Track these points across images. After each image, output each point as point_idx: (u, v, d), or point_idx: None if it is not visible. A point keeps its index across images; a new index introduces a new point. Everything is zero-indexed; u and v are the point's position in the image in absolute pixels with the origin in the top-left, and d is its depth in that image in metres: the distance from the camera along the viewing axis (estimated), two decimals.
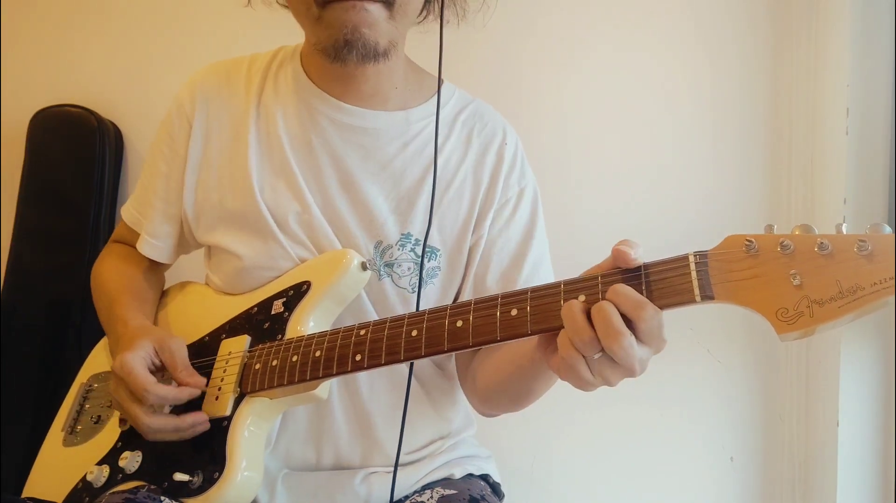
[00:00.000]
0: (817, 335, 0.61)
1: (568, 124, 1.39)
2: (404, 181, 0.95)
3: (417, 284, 0.93)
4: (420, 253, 0.94)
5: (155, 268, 1.10)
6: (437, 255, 0.95)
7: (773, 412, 1.34)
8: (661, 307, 0.66)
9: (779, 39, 1.32)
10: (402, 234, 0.94)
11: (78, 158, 1.51)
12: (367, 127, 0.96)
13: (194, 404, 0.89)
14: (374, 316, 0.94)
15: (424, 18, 1.01)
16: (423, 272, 0.94)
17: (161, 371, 0.90)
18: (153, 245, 1.04)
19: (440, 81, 0.98)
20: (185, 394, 0.86)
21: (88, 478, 0.91)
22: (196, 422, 0.86)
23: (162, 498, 0.83)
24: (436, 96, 1.00)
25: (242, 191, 0.95)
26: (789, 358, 1.33)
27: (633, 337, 0.64)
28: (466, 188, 0.97)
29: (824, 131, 1.26)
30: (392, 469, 0.95)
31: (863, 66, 1.22)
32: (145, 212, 1.04)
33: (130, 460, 0.89)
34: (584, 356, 0.67)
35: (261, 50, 1.06)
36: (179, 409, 0.88)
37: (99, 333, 1.13)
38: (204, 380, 0.88)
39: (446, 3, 0.98)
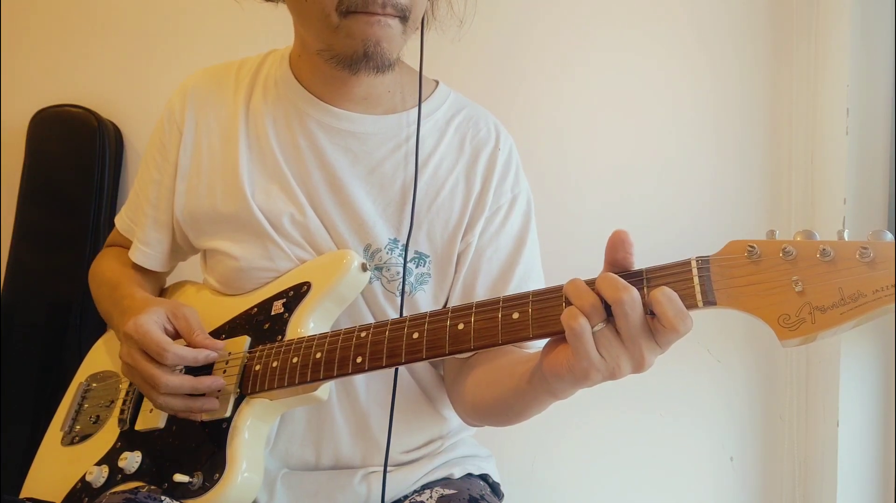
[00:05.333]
0: (819, 342, 0.61)
1: (567, 125, 1.39)
2: (393, 185, 0.95)
3: (402, 291, 0.93)
4: (404, 257, 0.94)
5: (152, 272, 1.09)
6: (426, 262, 0.95)
7: (773, 412, 1.34)
8: None
9: (779, 39, 1.32)
10: (391, 239, 0.94)
11: (78, 158, 1.51)
12: (356, 131, 0.96)
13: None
14: (369, 318, 0.94)
15: None
16: (413, 278, 0.94)
17: (174, 338, 0.90)
18: (144, 253, 1.04)
19: (420, 89, 0.98)
20: (202, 355, 0.87)
21: (87, 478, 0.91)
22: (213, 384, 0.85)
23: (163, 498, 0.83)
24: (430, 99, 1.00)
25: (234, 195, 0.95)
26: (789, 358, 1.33)
27: (638, 296, 0.64)
28: (457, 195, 0.96)
29: (824, 131, 1.26)
30: (392, 468, 0.95)
31: (863, 66, 1.21)
32: (137, 219, 1.05)
33: (130, 460, 0.89)
34: (591, 324, 0.65)
35: (260, 50, 1.05)
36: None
37: (98, 333, 1.13)
38: (222, 343, 0.88)
39: (427, 18, 0.98)
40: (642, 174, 1.36)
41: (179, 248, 1.05)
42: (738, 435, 1.34)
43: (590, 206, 1.37)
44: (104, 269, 1.08)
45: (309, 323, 0.89)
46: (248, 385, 0.87)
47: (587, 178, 1.38)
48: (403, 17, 0.86)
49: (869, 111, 1.22)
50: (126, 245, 1.08)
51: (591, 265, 0.73)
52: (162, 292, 1.11)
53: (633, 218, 1.35)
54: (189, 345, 0.88)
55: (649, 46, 1.36)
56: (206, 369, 0.90)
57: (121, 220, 1.09)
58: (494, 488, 1.05)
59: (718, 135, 1.34)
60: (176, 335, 0.90)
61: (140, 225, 1.04)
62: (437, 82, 1.03)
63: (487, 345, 0.73)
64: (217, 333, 0.95)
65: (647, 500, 1.37)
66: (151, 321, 0.87)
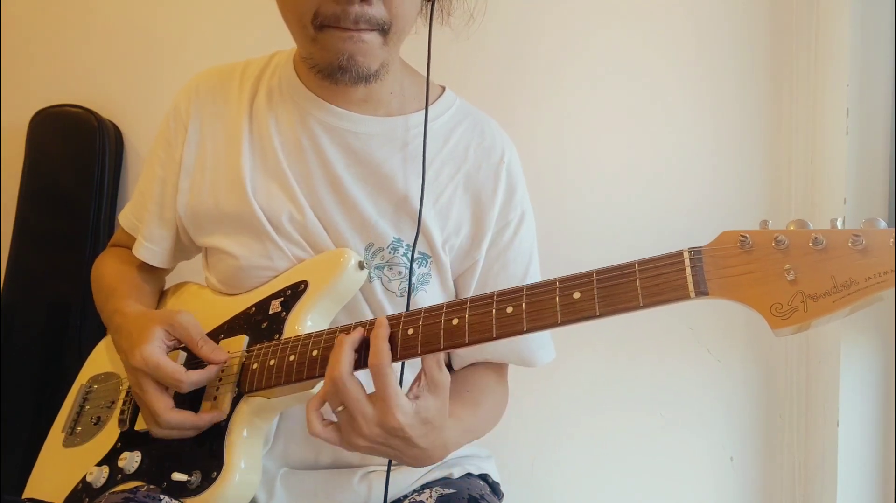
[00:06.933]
0: (814, 331, 0.62)
1: (567, 125, 1.39)
2: (394, 187, 0.95)
3: (406, 289, 0.93)
4: (411, 258, 0.94)
5: (153, 271, 1.10)
6: (427, 262, 0.95)
7: (773, 412, 1.34)
8: (655, 304, 0.66)
9: (779, 39, 1.32)
10: (395, 238, 0.94)
11: (78, 158, 1.52)
12: (357, 131, 0.96)
13: (194, 400, 0.89)
14: (369, 316, 0.94)
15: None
16: (415, 278, 0.94)
17: (177, 349, 0.91)
18: (148, 249, 1.04)
19: (428, 88, 0.97)
20: (215, 371, 0.87)
21: (88, 478, 0.91)
22: (214, 419, 0.86)
23: (161, 496, 0.83)
24: (436, 103, 1.00)
25: (237, 193, 0.95)
26: (789, 358, 1.33)
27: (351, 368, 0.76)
28: (455, 201, 0.96)
29: (824, 131, 1.26)
30: (392, 468, 0.95)
31: (863, 66, 1.21)
32: (142, 216, 1.05)
33: (129, 460, 0.89)
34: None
35: (259, 50, 1.06)
36: (179, 397, 0.88)
37: (99, 334, 1.14)
38: (226, 353, 0.89)
39: (434, 9, 0.97)
40: (642, 174, 1.36)
41: (183, 246, 1.05)
42: (738, 435, 1.34)
43: (590, 205, 1.37)
44: (103, 273, 1.08)
45: (306, 321, 0.89)
46: (246, 383, 0.87)
47: (586, 176, 1.38)
48: (382, 30, 0.86)
49: (869, 111, 1.22)
50: (129, 244, 1.08)
51: (589, 259, 0.74)
52: (163, 294, 1.11)
53: (632, 218, 1.35)
54: (195, 354, 0.89)
55: (649, 46, 1.36)
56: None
57: (125, 218, 1.09)
58: (494, 488, 1.05)
59: (718, 135, 1.34)
60: (178, 345, 0.90)
61: (144, 222, 1.04)
62: (444, 88, 1.03)
63: (482, 339, 0.74)
64: (216, 333, 0.95)
65: (647, 500, 1.37)
66: (157, 349, 0.87)
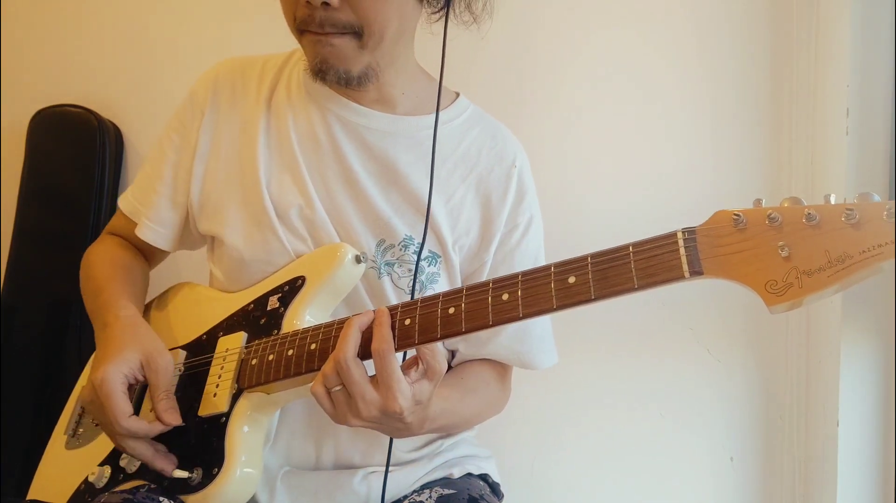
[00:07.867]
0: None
1: (566, 126, 1.39)
2: (408, 184, 0.95)
3: (412, 288, 0.93)
4: (418, 255, 0.94)
5: (145, 262, 1.09)
6: (437, 261, 0.96)
7: (773, 412, 1.34)
8: (650, 285, 0.66)
9: (779, 40, 1.32)
10: (406, 236, 0.94)
11: (78, 158, 1.51)
12: (373, 127, 0.96)
13: (191, 405, 0.89)
14: None
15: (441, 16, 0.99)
16: (424, 276, 0.94)
17: (140, 385, 0.89)
18: (155, 230, 1.04)
19: (441, 86, 0.97)
20: (156, 430, 0.85)
21: (90, 478, 0.91)
22: (164, 470, 0.85)
23: (161, 499, 0.83)
24: (450, 107, 1.01)
25: (250, 183, 0.96)
26: (789, 358, 1.33)
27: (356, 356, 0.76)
28: (466, 202, 0.97)
29: (824, 131, 1.26)
30: (392, 468, 0.95)
31: (863, 66, 1.21)
32: (148, 199, 1.04)
33: (130, 460, 0.89)
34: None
35: (259, 51, 1.07)
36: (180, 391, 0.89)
37: None
38: (179, 419, 0.86)
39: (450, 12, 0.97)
40: (642, 174, 1.36)
41: (189, 233, 1.05)
42: (738, 435, 1.34)
43: (590, 206, 1.38)
44: (95, 261, 1.06)
45: (305, 316, 0.89)
46: (245, 379, 0.87)
47: (587, 178, 1.38)
48: (355, 34, 0.87)
49: (869, 111, 1.22)
50: (126, 231, 1.08)
51: None
52: (161, 296, 1.10)
53: (632, 218, 1.35)
54: (152, 401, 0.87)
55: (649, 46, 1.36)
56: (196, 384, 0.90)
57: (125, 202, 1.07)
58: (494, 488, 1.05)
59: (718, 135, 1.34)
60: (143, 381, 0.88)
61: (151, 204, 1.03)
62: (458, 94, 1.04)
63: (478, 326, 0.74)
64: (215, 330, 0.96)
65: (647, 500, 1.37)
66: (119, 379, 0.85)
